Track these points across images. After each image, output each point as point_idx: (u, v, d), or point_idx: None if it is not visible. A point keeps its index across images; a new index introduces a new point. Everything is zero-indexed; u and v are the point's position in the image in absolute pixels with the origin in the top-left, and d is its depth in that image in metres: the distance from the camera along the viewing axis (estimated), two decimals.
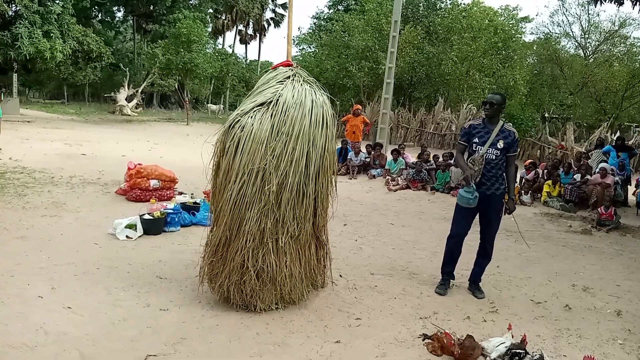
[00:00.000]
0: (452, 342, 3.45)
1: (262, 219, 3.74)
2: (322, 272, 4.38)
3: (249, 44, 49.03)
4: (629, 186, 10.80)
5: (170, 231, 6.04)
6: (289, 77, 4.10)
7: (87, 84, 35.05)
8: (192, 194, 7.45)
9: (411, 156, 12.41)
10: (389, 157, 12.12)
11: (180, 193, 7.74)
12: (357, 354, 3.40)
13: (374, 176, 11.63)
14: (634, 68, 25.19)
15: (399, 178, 11.11)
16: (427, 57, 23.69)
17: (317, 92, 4.08)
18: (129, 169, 7.98)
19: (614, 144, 12.22)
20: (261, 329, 3.66)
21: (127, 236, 5.64)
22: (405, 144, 14.48)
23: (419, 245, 6.33)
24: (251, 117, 3.81)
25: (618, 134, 18.80)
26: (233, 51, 43.14)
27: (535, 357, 3.20)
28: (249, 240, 3.73)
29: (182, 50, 25.16)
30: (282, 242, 3.80)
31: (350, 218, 7.52)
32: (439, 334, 3.60)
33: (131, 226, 5.74)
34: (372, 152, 12.40)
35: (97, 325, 3.57)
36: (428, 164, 11.25)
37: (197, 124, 25.31)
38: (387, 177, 11.24)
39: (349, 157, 12.14)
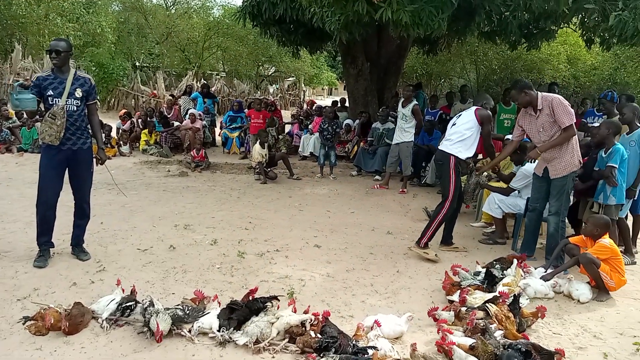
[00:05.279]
0: (59, 314, 3.16)
1: None
2: None
3: None
4: (215, 128, 12.27)
5: None
6: None
7: None
8: None
9: None
10: None
11: None
12: None
13: None
14: (209, 21, 28.09)
15: None
16: None
17: None
18: None
19: (200, 90, 13.48)
20: None
21: None
22: None
23: (8, 218, 5.45)
24: None
25: (203, 81, 20.89)
26: None
27: (146, 305, 3.28)
28: None
29: None
30: None
31: None
32: (42, 311, 3.23)
33: None
34: None
35: None
36: (10, 121, 9.69)
37: None
38: None
39: None
